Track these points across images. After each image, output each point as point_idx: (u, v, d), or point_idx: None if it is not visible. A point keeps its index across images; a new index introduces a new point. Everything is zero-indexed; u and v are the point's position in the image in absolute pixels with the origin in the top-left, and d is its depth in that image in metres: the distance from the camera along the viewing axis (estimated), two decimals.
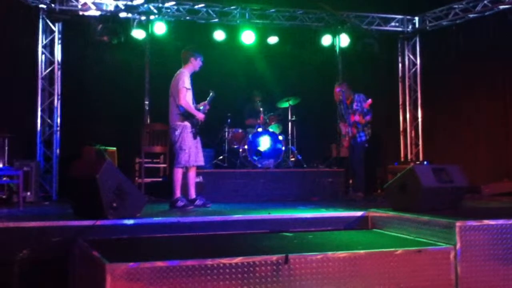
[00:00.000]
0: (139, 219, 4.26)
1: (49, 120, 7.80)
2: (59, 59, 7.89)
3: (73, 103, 7.90)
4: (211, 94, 5.82)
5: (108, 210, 4.16)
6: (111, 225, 4.11)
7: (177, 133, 5.48)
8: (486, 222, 3.59)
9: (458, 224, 3.51)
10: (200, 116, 5.54)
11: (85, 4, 7.77)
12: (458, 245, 3.48)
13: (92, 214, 4.16)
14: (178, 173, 5.49)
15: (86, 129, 7.90)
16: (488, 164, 7.82)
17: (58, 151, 7.75)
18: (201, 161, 5.62)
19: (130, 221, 4.18)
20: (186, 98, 5.46)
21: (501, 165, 7.65)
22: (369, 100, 6.67)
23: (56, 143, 7.76)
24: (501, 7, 7.74)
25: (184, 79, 5.47)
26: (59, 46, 7.90)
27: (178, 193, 5.46)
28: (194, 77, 5.71)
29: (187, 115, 5.48)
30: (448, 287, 3.42)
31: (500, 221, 3.61)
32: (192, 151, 5.47)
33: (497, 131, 7.83)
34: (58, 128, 7.79)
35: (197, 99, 5.78)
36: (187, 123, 5.48)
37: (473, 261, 3.49)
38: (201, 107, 5.67)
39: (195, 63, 5.64)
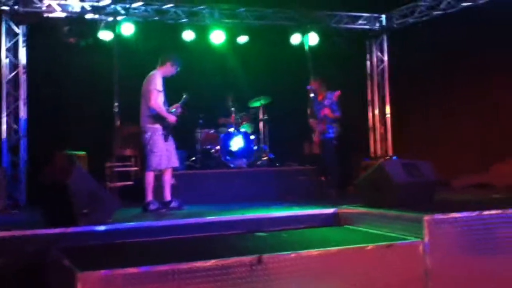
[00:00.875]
0: (111, 225, 4.21)
1: (15, 126, 7.60)
2: (24, 62, 7.70)
3: (40, 107, 7.72)
4: (184, 97, 5.80)
5: (79, 217, 4.10)
6: (83, 232, 4.05)
7: (147, 135, 5.42)
8: (452, 215, 3.71)
9: (426, 218, 3.61)
10: (172, 118, 5.50)
11: (49, 6, 7.59)
12: (427, 239, 3.58)
13: (64, 221, 4.09)
14: (149, 176, 5.43)
15: (54, 134, 7.72)
16: (456, 158, 8.03)
17: (25, 157, 7.57)
18: (174, 163, 5.58)
19: (102, 227, 4.13)
20: (158, 100, 5.40)
21: (469, 158, 7.87)
22: (337, 92, 6.76)
23: (23, 149, 7.57)
24: (464, 4, 7.96)
25: (156, 81, 5.42)
26: (24, 49, 7.70)
27: (150, 197, 5.41)
28: (165, 78, 5.67)
29: (158, 118, 5.42)
30: (418, 280, 3.52)
31: (465, 214, 3.73)
32: (163, 154, 5.42)
33: (464, 125, 8.06)
34: (25, 133, 7.60)
35: (170, 101, 5.74)
36: (158, 126, 5.42)
37: (441, 254, 3.60)
38: (173, 110, 5.63)
39: (171, 69, 5.61)
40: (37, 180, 4.75)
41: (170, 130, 5.51)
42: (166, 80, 5.68)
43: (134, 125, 7.50)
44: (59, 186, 4.13)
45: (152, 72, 5.54)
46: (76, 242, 3.94)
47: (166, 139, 5.45)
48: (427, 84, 8.56)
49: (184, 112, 5.78)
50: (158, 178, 5.57)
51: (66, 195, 4.06)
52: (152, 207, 5.35)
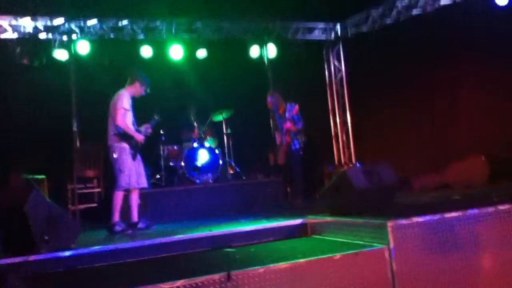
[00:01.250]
0: (74, 250, 4.08)
1: None
2: None
3: None
4: (155, 117, 5.77)
5: (40, 243, 3.96)
6: (45, 259, 3.90)
7: (115, 155, 5.34)
8: (415, 219, 3.79)
9: (389, 224, 3.68)
10: (139, 137, 5.44)
11: (0, 26, 7.37)
12: (392, 244, 3.64)
13: (23, 248, 3.93)
14: (118, 196, 5.33)
15: (11, 157, 7.45)
16: (417, 157, 8.26)
17: None
18: (143, 183, 5.50)
19: (65, 253, 4.00)
20: (125, 119, 5.34)
21: (428, 159, 8.10)
22: (296, 106, 6.84)
23: None
24: (414, 12, 8.25)
25: (123, 99, 5.38)
26: None
27: (116, 217, 5.29)
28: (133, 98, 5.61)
29: (125, 136, 5.35)
30: (386, 285, 3.57)
31: (428, 217, 3.82)
32: (132, 172, 5.34)
33: (422, 128, 8.31)
34: None
35: (142, 120, 5.67)
36: (125, 145, 5.35)
37: (406, 258, 3.67)
38: (143, 129, 5.57)
39: (140, 89, 5.57)
40: None
41: (138, 149, 5.44)
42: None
43: (94, 144, 7.37)
44: (16, 211, 3.98)
45: (120, 91, 5.49)
46: (38, 269, 3.80)
47: (134, 158, 5.37)
48: (384, 89, 8.79)
49: (152, 132, 5.74)
50: (125, 198, 5.45)
51: (24, 221, 3.91)
52: (117, 228, 5.23)
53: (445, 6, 7.87)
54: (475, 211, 3.96)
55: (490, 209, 3.98)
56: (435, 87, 8.16)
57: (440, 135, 8.03)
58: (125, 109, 5.36)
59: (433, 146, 8.10)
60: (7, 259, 3.85)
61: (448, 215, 3.88)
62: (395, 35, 8.58)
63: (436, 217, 3.84)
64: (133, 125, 5.50)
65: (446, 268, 3.81)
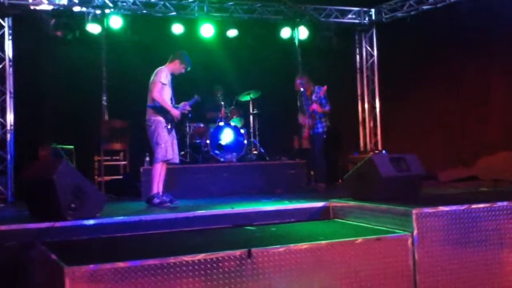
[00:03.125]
0: (99, 219, 4.18)
1: (1, 120, 7.49)
2: (10, 55, 7.57)
3: (27, 101, 7.62)
4: (195, 97, 5.88)
5: (66, 211, 4.06)
6: (70, 226, 4.01)
7: (152, 128, 5.43)
8: (441, 208, 3.73)
9: (414, 211, 3.63)
10: (175, 112, 5.50)
11: None
12: (415, 232, 3.60)
13: (50, 216, 4.05)
14: (156, 169, 5.42)
15: (41, 128, 7.65)
16: (444, 151, 8.10)
17: (12, 151, 7.47)
18: (175, 159, 5.58)
19: (90, 222, 4.10)
20: (161, 93, 5.42)
21: (457, 152, 7.94)
22: (324, 87, 6.76)
23: (10, 143, 7.46)
24: None
25: (161, 74, 5.46)
26: (10, 42, 7.57)
27: (154, 190, 5.40)
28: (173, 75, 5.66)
29: (160, 110, 5.43)
30: (407, 272, 3.54)
31: (454, 207, 3.75)
32: (168, 145, 5.42)
33: (452, 120, 8.11)
34: (12, 128, 7.50)
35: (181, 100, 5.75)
36: (161, 118, 5.42)
37: (429, 247, 3.62)
38: (181, 106, 5.65)
39: (178, 67, 5.64)
40: (23, 174, 4.69)
41: (173, 124, 5.51)
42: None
43: (122, 120, 7.48)
44: (45, 180, 4.09)
45: (160, 67, 5.57)
46: (64, 236, 3.91)
47: (169, 132, 5.44)
48: (416, 78, 8.60)
49: (190, 111, 5.81)
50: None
51: (52, 190, 4.01)
52: (156, 201, 5.34)
53: None
54: (503, 203, 3.86)
55: None
56: (467, 79, 7.94)
57: (469, 128, 7.83)
58: (162, 83, 5.43)
59: (462, 139, 7.91)
60: (35, 224, 3.97)
61: (475, 206, 3.81)
62: (431, 22, 8.35)
63: (463, 207, 3.77)
64: (171, 101, 5.56)
65: (469, 261, 3.76)
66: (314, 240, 3.42)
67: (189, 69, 5.72)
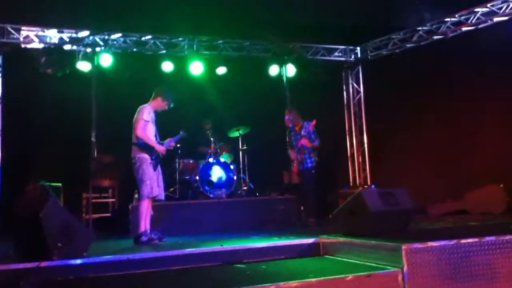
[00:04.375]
0: (85, 258, 4.10)
1: None
2: (0, 93, 7.60)
3: (17, 138, 7.60)
4: (181, 133, 5.96)
5: (53, 250, 3.99)
6: (56, 266, 3.93)
7: (137, 166, 5.45)
8: (430, 244, 3.72)
9: (404, 247, 3.61)
10: (160, 148, 5.52)
11: (27, 36, 7.58)
12: (405, 268, 3.57)
13: (36, 254, 3.96)
14: (142, 206, 5.41)
15: (30, 164, 7.60)
16: (433, 185, 8.14)
17: None
18: (161, 195, 5.56)
19: (77, 261, 4.02)
20: (145, 130, 5.47)
21: (445, 186, 7.98)
22: (313, 122, 6.84)
23: None
24: (435, 37, 8.27)
25: (144, 111, 5.52)
26: (0, 79, 7.62)
27: (142, 227, 5.36)
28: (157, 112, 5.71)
29: (145, 147, 5.46)
30: None
31: (443, 242, 3.75)
32: (154, 182, 5.41)
33: (440, 153, 8.20)
34: (0, 164, 7.43)
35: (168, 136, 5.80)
36: (145, 155, 5.45)
37: (420, 283, 3.59)
38: (166, 142, 5.69)
39: (162, 104, 5.70)
40: (9, 211, 4.62)
41: (158, 160, 5.52)
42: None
43: (111, 156, 7.46)
44: (32, 217, 4.03)
45: (142, 105, 5.64)
46: (49, 276, 3.82)
47: (154, 169, 5.44)
48: (402, 113, 8.74)
49: (175, 146, 5.84)
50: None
51: (39, 227, 3.95)
52: (144, 238, 5.28)
53: (467, 32, 7.86)
54: (492, 238, 3.87)
55: (508, 237, 3.89)
56: (454, 113, 8.09)
57: (458, 162, 7.91)
58: (145, 121, 5.49)
59: (450, 172, 7.98)
60: (20, 264, 3.88)
61: (464, 241, 3.80)
62: (415, 58, 8.57)
63: (452, 242, 3.76)
64: (156, 137, 5.59)
65: None
66: (304, 278, 3.38)
67: (172, 105, 5.78)
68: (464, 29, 7.88)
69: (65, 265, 3.95)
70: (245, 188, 7.89)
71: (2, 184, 7.42)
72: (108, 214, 7.24)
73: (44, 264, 3.85)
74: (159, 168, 5.58)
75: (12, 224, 4.48)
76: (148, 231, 5.38)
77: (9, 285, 3.64)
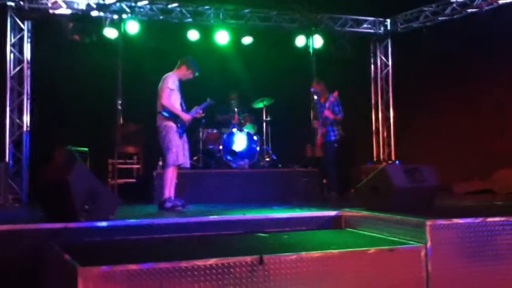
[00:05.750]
0: (111, 221, 4.20)
1: (18, 121, 7.61)
2: (29, 58, 7.71)
3: (44, 103, 7.73)
4: (208, 100, 5.97)
5: (80, 212, 4.09)
6: (83, 227, 4.04)
7: (163, 134, 5.50)
8: (455, 221, 3.68)
9: (428, 223, 3.58)
10: (185, 117, 5.56)
11: (55, 2, 7.60)
12: (429, 244, 3.55)
13: (64, 217, 4.08)
14: (167, 173, 5.49)
15: (57, 129, 7.74)
16: (459, 163, 8.01)
17: (28, 152, 7.57)
18: (186, 163, 5.62)
19: (103, 224, 4.12)
20: (170, 99, 5.48)
21: (472, 164, 7.84)
22: (335, 92, 6.75)
23: (26, 144, 7.57)
24: (469, 10, 7.97)
25: (169, 80, 5.53)
26: (29, 45, 7.71)
27: (166, 194, 5.45)
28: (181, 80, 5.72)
29: (171, 116, 5.49)
30: (419, 284, 3.49)
31: (469, 220, 3.70)
32: (179, 150, 5.47)
33: (468, 131, 8.03)
34: (28, 129, 7.61)
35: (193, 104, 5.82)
36: (171, 124, 5.49)
37: (443, 259, 3.57)
38: (193, 111, 5.72)
39: (186, 73, 5.71)
40: (38, 175, 4.74)
41: (184, 129, 5.55)
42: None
43: (136, 124, 7.54)
44: (59, 182, 4.12)
45: (167, 73, 5.65)
46: (76, 238, 3.94)
47: (180, 137, 5.49)
48: (431, 89, 8.54)
49: (203, 114, 5.85)
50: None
51: (66, 191, 4.05)
52: (167, 204, 5.38)
53: (502, 6, 7.55)
54: None
55: None
56: (484, 91, 7.87)
57: (486, 141, 7.74)
58: (170, 89, 5.51)
59: (477, 152, 7.81)
60: (49, 224, 4.00)
61: (491, 219, 3.75)
62: (447, 32, 8.30)
63: (478, 220, 3.71)
64: (181, 106, 5.61)
65: (483, 276, 3.69)
66: (326, 249, 3.40)
67: (197, 74, 5.77)
68: (501, 1, 7.56)
69: (92, 227, 4.06)
70: (267, 159, 7.91)
71: (31, 149, 7.61)
72: (133, 180, 7.37)
73: (71, 225, 3.97)
74: (184, 136, 5.62)
75: (41, 188, 4.61)
76: (172, 198, 5.46)
77: (39, 244, 3.76)
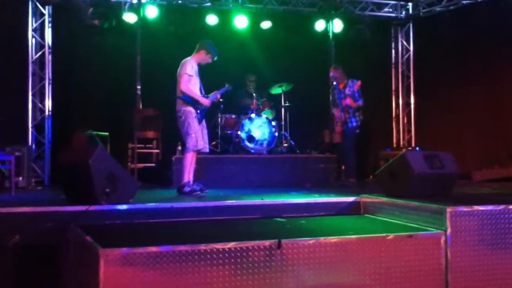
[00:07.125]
0: (132, 204, 4.26)
1: (40, 105, 7.74)
2: (50, 43, 7.79)
3: (64, 88, 7.83)
4: (226, 86, 5.95)
5: (101, 195, 4.15)
6: (104, 210, 4.10)
7: (182, 119, 5.52)
8: (476, 208, 3.63)
9: (448, 209, 3.55)
10: (205, 101, 5.57)
11: None
12: (449, 231, 3.52)
13: (85, 200, 4.15)
14: (187, 158, 5.51)
15: (78, 114, 7.85)
16: (479, 150, 7.89)
17: (50, 136, 7.70)
18: (205, 148, 5.65)
19: (123, 207, 4.18)
20: (190, 84, 5.49)
21: (492, 151, 7.71)
22: (358, 82, 6.67)
23: (48, 128, 7.71)
24: None
25: (187, 65, 5.52)
26: (50, 29, 7.79)
27: (185, 178, 5.49)
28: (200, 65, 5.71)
29: (190, 101, 5.50)
30: (438, 271, 3.47)
31: (490, 207, 3.65)
32: (199, 135, 5.50)
33: (489, 118, 7.89)
34: (50, 113, 7.73)
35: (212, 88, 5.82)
36: (191, 109, 5.50)
37: (463, 246, 3.54)
38: (211, 95, 5.72)
39: (205, 57, 5.68)
40: (59, 159, 4.82)
41: (203, 113, 5.57)
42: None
43: (155, 108, 7.59)
44: (80, 165, 4.19)
45: (186, 58, 5.64)
46: (97, 220, 4.01)
47: (199, 122, 5.52)
48: (452, 75, 8.38)
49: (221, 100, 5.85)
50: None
51: (88, 174, 4.11)
52: (186, 189, 5.43)
53: None
54: None
55: None
56: (507, 78, 7.69)
57: (506, 129, 7.58)
58: (189, 75, 5.50)
59: (498, 139, 7.68)
60: (70, 207, 4.09)
61: None
62: (470, 17, 8.11)
63: (500, 207, 3.66)
64: (200, 90, 5.62)
65: (503, 264, 3.65)
66: (344, 234, 3.40)
67: (215, 58, 5.74)
68: None
69: (112, 210, 4.12)
70: (285, 145, 7.89)
71: (53, 132, 7.74)
72: (152, 164, 7.44)
73: (92, 208, 4.04)
74: (203, 121, 5.64)
75: (63, 171, 4.70)
76: (191, 183, 5.51)
77: (60, 226, 3.84)
